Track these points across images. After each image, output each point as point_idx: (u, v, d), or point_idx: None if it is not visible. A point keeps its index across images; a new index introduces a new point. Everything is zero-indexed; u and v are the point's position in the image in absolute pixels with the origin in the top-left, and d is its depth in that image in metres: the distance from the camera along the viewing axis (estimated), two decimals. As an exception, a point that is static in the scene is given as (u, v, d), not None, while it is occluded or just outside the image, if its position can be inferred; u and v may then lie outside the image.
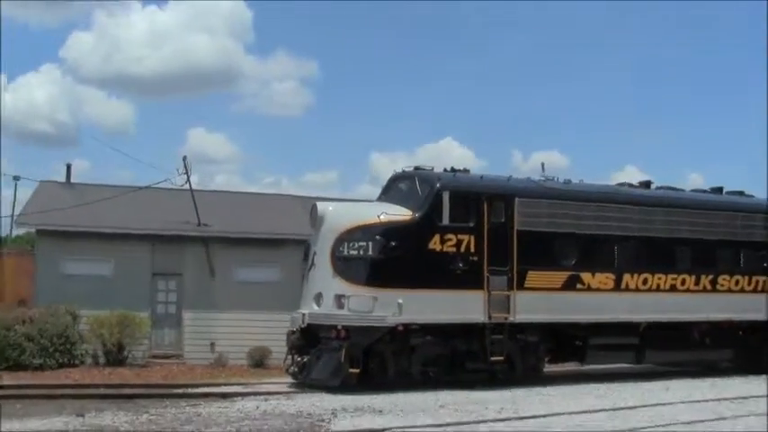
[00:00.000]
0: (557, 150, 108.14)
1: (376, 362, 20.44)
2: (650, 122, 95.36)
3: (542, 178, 23.59)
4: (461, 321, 20.76)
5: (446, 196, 20.66)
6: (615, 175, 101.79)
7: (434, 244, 20.53)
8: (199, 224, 29.66)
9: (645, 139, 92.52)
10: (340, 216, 20.99)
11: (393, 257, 20.24)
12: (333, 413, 16.18)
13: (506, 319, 21.16)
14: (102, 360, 25.98)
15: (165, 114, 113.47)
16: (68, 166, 35.72)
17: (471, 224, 21.00)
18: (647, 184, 25.70)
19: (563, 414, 16.02)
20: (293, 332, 21.04)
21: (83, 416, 15.11)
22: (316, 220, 21.14)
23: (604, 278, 22.69)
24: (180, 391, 19.68)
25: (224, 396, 18.61)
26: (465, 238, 20.81)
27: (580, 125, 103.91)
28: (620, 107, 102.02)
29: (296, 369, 20.71)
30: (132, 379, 22.52)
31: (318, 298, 20.59)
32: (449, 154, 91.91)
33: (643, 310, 23.02)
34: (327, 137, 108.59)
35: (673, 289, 23.72)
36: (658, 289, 23.47)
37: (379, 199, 22.44)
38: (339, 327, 19.80)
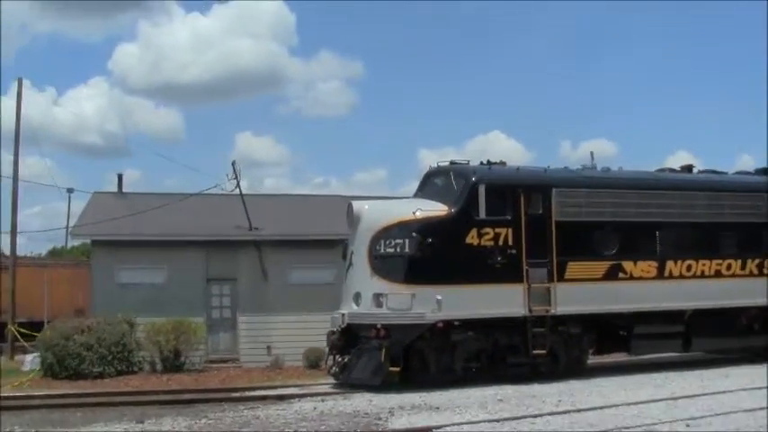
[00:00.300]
0: (605, 138, 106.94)
1: (417, 359, 20.40)
2: (698, 106, 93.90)
3: (581, 167, 23.40)
4: (502, 315, 20.55)
5: (482, 189, 20.44)
6: (666, 160, 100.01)
7: (472, 238, 20.41)
8: (250, 228, 29.76)
9: (694, 122, 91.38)
10: (376, 214, 20.94)
11: (430, 254, 20.10)
12: (390, 412, 16.28)
13: (547, 311, 20.96)
14: (159, 367, 26.14)
15: (212, 120, 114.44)
16: (120, 177, 36.19)
17: (508, 217, 20.83)
18: (688, 169, 25.33)
19: (621, 405, 15.90)
20: (333, 332, 21.06)
21: (143, 422, 15.33)
22: (352, 219, 21.16)
23: (647, 266, 22.35)
24: (237, 394, 19.86)
25: (281, 398, 18.73)
26: (502, 231, 20.66)
27: (628, 111, 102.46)
28: (667, 90, 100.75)
29: (337, 369, 20.77)
30: (190, 384, 22.70)
31: (357, 297, 20.60)
32: (497, 147, 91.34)
33: (688, 298, 22.58)
34: (375, 135, 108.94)
35: (718, 274, 23.26)
36: (703, 275, 23.03)
37: (416, 195, 22.40)
38: (378, 326, 19.74)
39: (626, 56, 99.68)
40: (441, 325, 20.05)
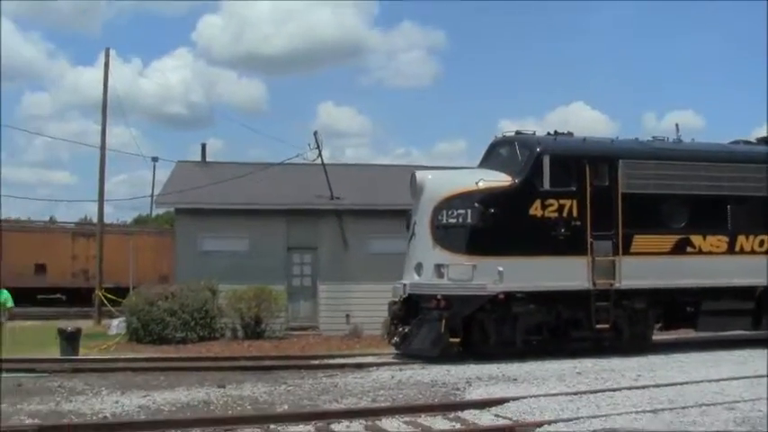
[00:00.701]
0: (692, 110, 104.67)
1: (477, 331, 20.16)
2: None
3: (651, 139, 22.72)
4: (564, 288, 20.17)
5: (546, 160, 20.05)
6: (753, 132, 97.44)
7: (535, 209, 20.03)
8: (332, 198, 29.94)
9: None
10: (439, 184, 20.66)
11: (492, 224, 19.79)
12: (467, 382, 16.26)
13: (612, 285, 20.47)
14: (240, 333, 26.55)
15: (294, 91, 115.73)
16: (203, 146, 36.76)
17: (573, 188, 20.38)
18: (765, 141, 24.44)
19: (701, 382, 15.60)
20: (395, 302, 20.97)
21: (224, 387, 15.49)
22: (415, 189, 20.90)
23: (716, 240, 21.68)
24: (316, 362, 20.01)
25: (359, 366, 18.83)
26: (567, 202, 20.24)
27: (717, 82, 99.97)
28: (758, 62, 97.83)
29: (397, 339, 20.55)
30: (270, 351, 22.87)
31: (419, 268, 20.40)
32: (580, 118, 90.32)
33: (760, 274, 21.85)
34: (456, 106, 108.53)
35: None
36: None
37: (480, 165, 22.05)
38: (439, 296, 19.52)
39: (717, 27, 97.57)
40: (502, 296, 19.77)
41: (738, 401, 13.37)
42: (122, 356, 20.46)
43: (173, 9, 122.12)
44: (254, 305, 26.76)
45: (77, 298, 42.10)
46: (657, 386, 15.19)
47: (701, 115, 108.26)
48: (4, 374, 16.85)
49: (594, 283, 20.30)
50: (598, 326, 20.34)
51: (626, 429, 10.96)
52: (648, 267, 20.80)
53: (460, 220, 19.93)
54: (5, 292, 23.47)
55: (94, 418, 12.55)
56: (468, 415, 12.80)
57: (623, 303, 20.77)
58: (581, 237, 20.29)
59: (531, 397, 13.90)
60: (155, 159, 55.08)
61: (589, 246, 20.31)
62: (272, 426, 11.85)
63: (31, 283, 41.78)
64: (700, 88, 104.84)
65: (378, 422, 12.24)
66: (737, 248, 21.89)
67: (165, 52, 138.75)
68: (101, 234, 34.36)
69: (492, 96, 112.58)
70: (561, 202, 20.20)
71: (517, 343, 20.16)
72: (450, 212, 20.04)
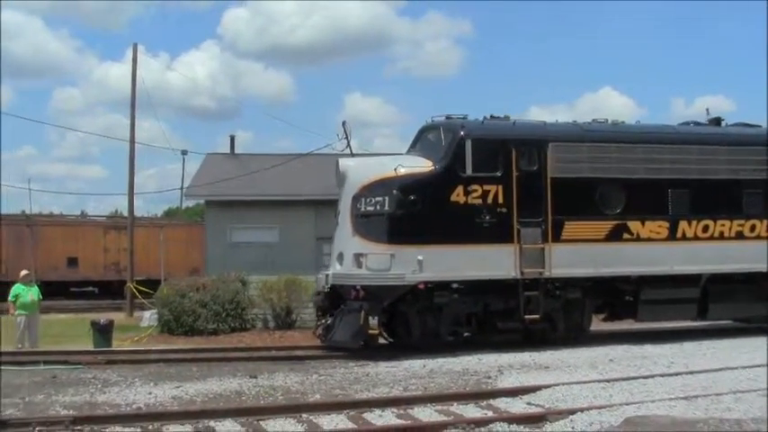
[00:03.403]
0: (722, 95, 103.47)
1: (401, 323, 19.28)
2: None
3: (589, 122, 21.27)
4: (489, 278, 18.95)
5: (469, 144, 18.87)
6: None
7: (457, 196, 18.85)
8: (361, 188, 29.75)
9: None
10: (359, 172, 19.64)
11: (412, 212, 18.73)
12: (499, 370, 16.09)
13: (541, 274, 19.24)
14: (271, 324, 26.01)
15: (321, 82, 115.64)
16: (232, 138, 36.55)
17: (498, 173, 19.13)
18: (716, 122, 22.80)
19: (736, 368, 15.30)
20: (318, 293, 20.22)
21: (256, 377, 15.44)
22: (339, 177, 19.98)
23: (656, 226, 20.26)
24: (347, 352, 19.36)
25: (391, 356, 18.34)
26: (492, 188, 19.02)
27: (748, 65, 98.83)
28: None
29: (321, 331, 19.67)
30: (302, 341, 22.29)
31: (340, 258, 19.41)
32: (608, 103, 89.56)
33: (704, 261, 20.42)
34: (484, 94, 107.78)
35: (740, 236, 20.93)
36: (722, 237, 20.79)
37: (408, 152, 20.83)
38: (358, 287, 18.54)
39: (747, 10, 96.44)
40: (422, 286, 18.71)
41: (773, 388, 12.94)
42: (155, 348, 20.22)
43: (198, 3, 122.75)
44: (285, 295, 26.12)
45: (109, 290, 42.37)
46: (691, 373, 14.96)
47: (731, 99, 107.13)
48: (42, 366, 16.88)
49: (522, 272, 19.11)
50: (527, 316, 19.19)
51: (660, 416, 10.90)
52: (581, 255, 19.55)
53: (378, 207, 18.92)
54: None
55: (128, 408, 12.55)
56: (501, 403, 12.67)
57: (556, 293, 19.59)
58: (507, 224, 19.09)
59: (563, 384, 13.73)
60: (184, 152, 55.51)
61: (516, 233, 19.12)
62: (304, 415, 11.81)
63: (63, 277, 42.07)
64: (730, 72, 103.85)
65: (410, 411, 12.16)
66: (679, 235, 20.51)
67: (191, 46, 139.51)
68: (132, 227, 34.47)
69: (520, 84, 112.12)
70: (486, 187, 19.03)
71: (442, 335, 19.19)
72: (368, 200, 19.07)
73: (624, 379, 14.39)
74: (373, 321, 18.86)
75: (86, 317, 26.10)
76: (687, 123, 23.01)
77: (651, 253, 20.13)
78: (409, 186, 18.91)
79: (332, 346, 19.11)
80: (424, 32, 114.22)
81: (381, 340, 19.68)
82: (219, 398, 13.57)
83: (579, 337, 19.85)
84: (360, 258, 18.90)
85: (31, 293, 20.08)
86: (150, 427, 11.23)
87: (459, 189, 18.94)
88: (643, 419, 10.38)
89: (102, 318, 22.29)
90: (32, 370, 16.56)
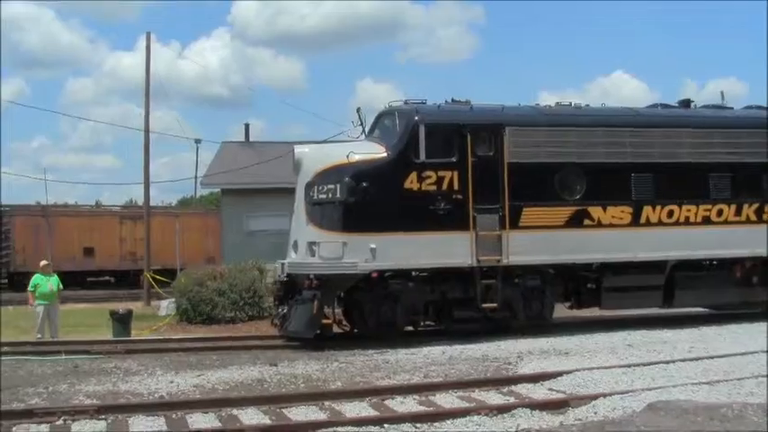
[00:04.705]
0: (734, 77, 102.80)
1: (356, 312, 18.95)
2: None
3: (550, 106, 20.77)
4: (445, 266, 18.51)
5: (422, 130, 18.38)
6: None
7: (411, 183, 18.37)
8: (376, 174, 29.60)
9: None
10: (313, 159, 19.27)
11: (364, 199, 18.27)
12: (518, 356, 15.97)
13: (498, 261, 18.67)
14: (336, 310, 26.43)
15: (332, 68, 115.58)
16: (247, 126, 36.76)
17: (453, 159, 18.58)
18: (686, 104, 22.05)
19: (757, 352, 15.07)
20: (275, 282, 19.97)
21: (276, 365, 15.43)
22: (294, 164, 19.67)
23: (619, 212, 19.58)
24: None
25: (409, 343, 18.13)
26: (447, 174, 18.51)
27: (761, 47, 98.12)
28: None
29: (277, 321, 19.28)
30: (338, 329, 22.98)
31: (295, 246, 19.09)
32: (620, 87, 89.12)
33: (669, 247, 19.74)
34: (495, 79, 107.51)
35: (707, 221, 20.20)
36: (688, 222, 20.05)
37: (367, 138, 20.31)
38: (311, 275, 18.16)
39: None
40: (375, 275, 18.33)
41: (796, 373, 12.69)
42: (174, 337, 20.16)
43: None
44: (302, 283, 26.50)
45: (125, 280, 42.61)
46: (711, 358, 14.81)
47: (743, 81, 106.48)
48: (64, 356, 16.92)
49: (479, 260, 18.57)
50: (485, 305, 18.66)
51: (683, 401, 10.88)
52: (540, 242, 18.98)
53: (330, 195, 18.53)
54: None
55: (151, 397, 12.63)
56: (522, 389, 12.64)
57: (515, 281, 19.08)
58: (463, 210, 18.52)
59: (584, 370, 13.62)
60: (197, 141, 55.52)
61: (472, 220, 18.57)
62: (327, 403, 11.81)
63: (80, 267, 42.26)
64: (743, 55, 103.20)
65: (432, 397, 12.15)
66: (643, 220, 19.82)
67: (202, 34, 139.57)
68: (147, 216, 34.53)
69: (531, 69, 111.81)
70: (440, 174, 18.51)
71: (398, 324, 18.79)
72: (320, 188, 18.68)
73: (645, 364, 14.26)
74: (337, 310, 18.93)
75: (104, 307, 26.21)
76: (655, 106, 22.34)
77: (613, 239, 19.49)
78: (361, 173, 18.46)
79: (288, 335, 18.86)
80: (437, 18, 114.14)
81: (337, 329, 19.44)
82: (241, 386, 13.60)
83: (540, 325, 19.42)
84: (313, 247, 18.54)
85: (50, 283, 20.10)
86: (174, 415, 11.27)
87: (413, 175, 18.46)
88: (666, 404, 10.23)
89: (121, 307, 22.38)
90: (54, 360, 16.59)
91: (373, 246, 18.16)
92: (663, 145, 20.17)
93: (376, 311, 18.63)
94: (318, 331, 18.41)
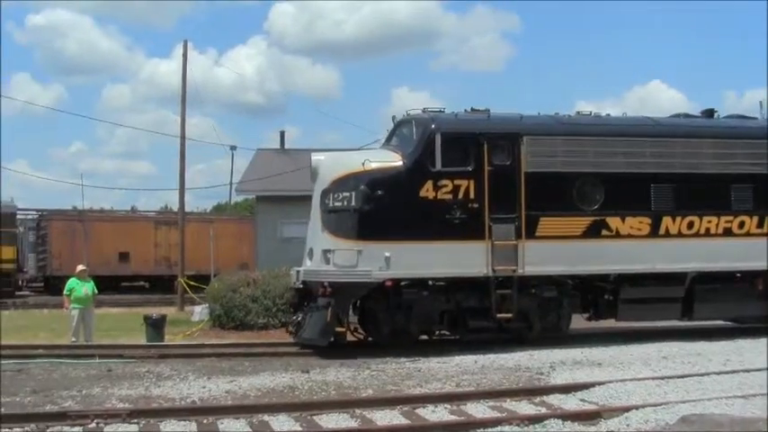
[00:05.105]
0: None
1: (370, 320, 18.89)
2: None
3: (569, 115, 20.49)
4: (459, 275, 18.37)
5: (438, 138, 18.22)
6: None
7: (426, 191, 18.25)
8: (411, 182, 29.56)
9: None
10: (329, 166, 19.20)
11: (379, 207, 18.17)
12: (551, 366, 15.82)
13: (514, 271, 18.49)
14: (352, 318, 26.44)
15: (368, 76, 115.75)
16: (282, 134, 36.79)
17: (470, 168, 18.46)
18: (709, 113, 21.65)
19: None
20: (290, 290, 20.03)
21: (308, 372, 15.45)
22: (311, 172, 19.64)
23: (637, 223, 19.30)
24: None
25: (441, 351, 18.10)
26: (463, 183, 18.37)
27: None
28: None
29: (293, 328, 19.25)
30: (351, 336, 23.24)
31: (311, 253, 19.04)
32: (657, 97, 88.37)
33: (688, 259, 19.41)
34: (531, 89, 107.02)
35: (728, 233, 19.86)
36: (708, 233, 19.70)
37: (383, 146, 20.31)
38: (325, 283, 18.07)
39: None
40: (389, 284, 18.20)
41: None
42: (207, 342, 20.23)
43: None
44: (335, 291, 26.46)
45: (159, 285, 42.87)
46: (747, 371, 14.53)
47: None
48: (98, 360, 17.10)
49: (494, 270, 18.40)
50: (499, 315, 18.47)
51: (717, 415, 10.75)
52: (557, 252, 18.76)
53: (346, 203, 18.44)
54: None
55: (183, 402, 12.69)
56: (554, 400, 12.52)
57: (532, 292, 18.89)
58: (478, 220, 18.37)
59: (617, 381, 13.43)
60: (233, 148, 55.62)
61: (487, 229, 18.41)
62: (358, 411, 11.79)
63: (115, 271, 42.68)
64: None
65: (463, 407, 12.07)
66: (662, 231, 19.51)
67: (238, 42, 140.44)
68: (182, 222, 34.74)
69: (567, 78, 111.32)
70: (456, 182, 18.38)
71: (412, 333, 18.70)
72: (336, 196, 18.59)
73: (679, 376, 14.10)
74: (353, 319, 18.84)
75: (138, 311, 26.37)
76: (677, 116, 21.99)
77: (631, 250, 19.22)
78: (377, 181, 18.38)
79: (302, 343, 18.83)
80: (471, 27, 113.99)
81: (352, 338, 19.42)
82: (273, 392, 13.59)
83: (557, 337, 19.13)
84: (327, 254, 18.46)
85: (85, 288, 20.31)
86: (205, 420, 11.30)
87: (429, 184, 18.36)
88: (700, 418, 10.06)
89: (155, 312, 22.53)
90: (88, 363, 16.74)
91: (387, 254, 18.08)
92: (683, 155, 19.89)
93: (390, 320, 18.56)
94: (332, 339, 18.40)
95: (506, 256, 18.50)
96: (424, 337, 19.30)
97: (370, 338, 19.29)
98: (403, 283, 18.37)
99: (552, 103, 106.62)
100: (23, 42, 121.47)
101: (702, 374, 14.34)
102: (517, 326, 18.90)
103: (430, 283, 18.58)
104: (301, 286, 19.12)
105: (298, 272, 19.25)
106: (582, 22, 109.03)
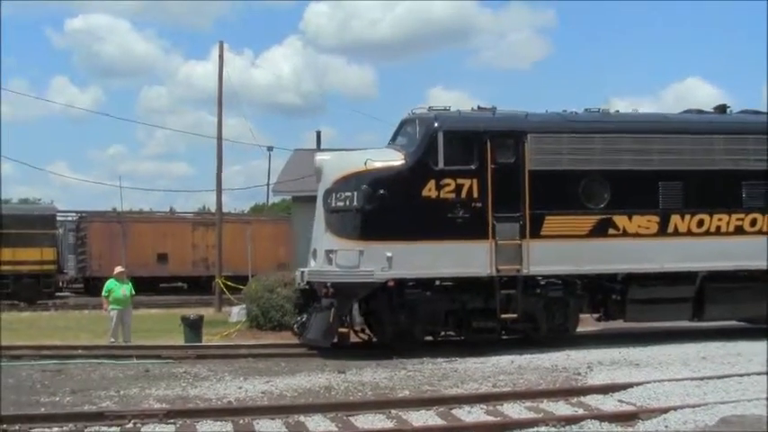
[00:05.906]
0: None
1: (374, 321, 18.73)
2: None
3: (576, 112, 20.04)
4: (463, 275, 18.11)
5: (441, 137, 17.95)
6: None
7: (429, 191, 18.00)
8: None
9: None
10: (332, 166, 19.03)
11: (381, 207, 17.96)
12: (588, 367, 15.70)
13: (518, 271, 18.20)
14: (358, 319, 26.67)
15: (403, 75, 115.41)
16: (318, 134, 36.14)
17: (473, 167, 18.16)
18: (721, 109, 21.17)
19: None
20: (295, 291, 19.93)
21: (344, 372, 15.43)
22: (316, 172, 19.53)
23: (645, 221, 18.87)
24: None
25: (478, 351, 17.89)
26: (466, 182, 18.09)
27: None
28: None
29: (297, 329, 19.11)
30: (355, 338, 22.97)
31: (314, 254, 18.94)
32: (694, 94, 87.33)
33: (698, 258, 18.91)
34: (568, 85, 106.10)
35: (739, 231, 19.35)
36: (719, 232, 19.24)
37: (388, 145, 19.96)
38: (328, 284, 17.97)
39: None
40: (392, 284, 17.96)
41: None
42: (244, 343, 20.21)
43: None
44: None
45: (197, 286, 43.10)
46: (788, 371, 14.00)
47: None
48: (136, 360, 17.25)
49: (498, 269, 18.12)
50: (504, 315, 18.20)
51: (758, 416, 10.59)
52: (562, 252, 18.43)
53: (348, 203, 18.27)
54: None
55: (219, 402, 12.77)
56: (592, 400, 12.43)
57: (537, 292, 18.59)
58: (482, 219, 18.09)
59: (655, 382, 13.27)
60: (270, 148, 55.67)
61: (491, 228, 18.13)
62: (393, 411, 11.76)
63: (153, 272, 42.87)
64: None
65: (499, 407, 12.01)
66: (671, 230, 19.07)
67: (274, 42, 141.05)
68: (220, 223, 34.80)
69: (604, 75, 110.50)
70: (459, 181, 18.09)
71: (417, 334, 18.44)
72: (338, 195, 18.42)
73: (718, 377, 13.86)
74: (359, 319, 18.76)
75: (175, 312, 26.52)
76: (689, 111, 21.47)
77: (639, 249, 18.79)
78: (379, 181, 18.16)
79: (306, 343, 18.73)
80: (507, 23, 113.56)
81: (356, 339, 19.33)
82: (309, 393, 13.60)
83: (563, 337, 18.83)
84: (330, 255, 18.31)
85: (123, 289, 20.46)
86: (241, 421, 11.31)
87: (431, 183, 18.09)
88: (740, 419, 9.95)
89: (192, 313, 22.65)
90: (126, 363, 16.87)
91: (390, 254, 17.90)
92: (693, 152, 19.42)
93: (394, 321, 18.33)
94: (336, 340, 18.30)
95: (510, 255, 18.26)
96: (429, 338, 19.11)
97: (374, 339, 19.24)
98: (409, 284, 18.17)
99: (588, 99, 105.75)
100: (62, 46, 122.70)
101: (743, 375, 14.06)
102: (523, 326, 18.70)
103: (437, 283, 18.41)
104: (306, 287, 19.04)
105: (302, 272, 19.15)
106: (618, 18, 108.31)
